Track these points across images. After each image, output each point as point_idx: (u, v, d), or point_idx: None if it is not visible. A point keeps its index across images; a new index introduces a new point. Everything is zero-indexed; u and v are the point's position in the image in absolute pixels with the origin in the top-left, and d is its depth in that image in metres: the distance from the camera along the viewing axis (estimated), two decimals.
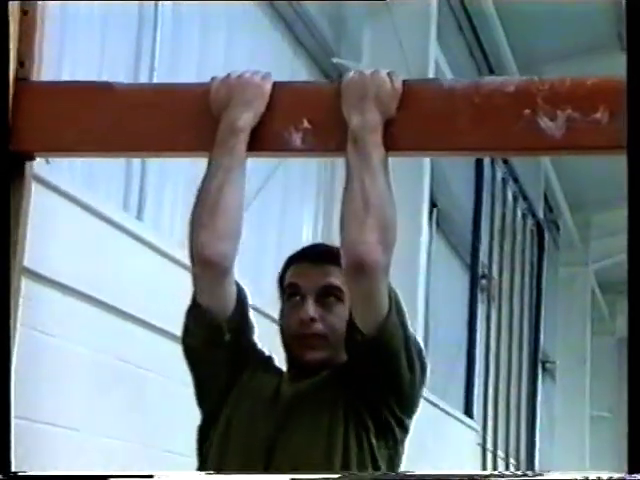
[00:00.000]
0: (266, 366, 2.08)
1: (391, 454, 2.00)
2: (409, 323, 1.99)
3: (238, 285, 2.04)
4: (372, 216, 1.86)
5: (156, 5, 4.22)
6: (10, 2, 1.84)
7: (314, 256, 2.08)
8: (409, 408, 2.01)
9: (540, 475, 1.77)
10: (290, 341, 2.04)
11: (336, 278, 2.02)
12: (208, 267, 1.95)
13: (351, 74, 1.95)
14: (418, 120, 1.91)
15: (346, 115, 1.91)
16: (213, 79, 1.99)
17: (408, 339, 1.97)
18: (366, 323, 1.92)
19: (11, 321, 1.79)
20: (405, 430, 2.01)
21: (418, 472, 1.78)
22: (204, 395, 2.06)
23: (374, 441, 1.96)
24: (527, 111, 1.85)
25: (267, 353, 2.11)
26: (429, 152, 2.07)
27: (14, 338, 1.95)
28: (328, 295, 2.02)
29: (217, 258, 1.94)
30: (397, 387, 1.96)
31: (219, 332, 2.01)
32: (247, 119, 1.93)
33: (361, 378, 1.97)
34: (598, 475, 1.65)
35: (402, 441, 2.02)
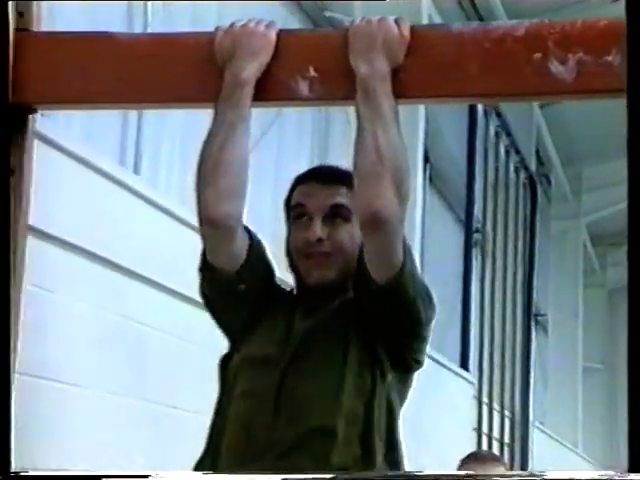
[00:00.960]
0: (282, 303, 2.06)
1: (402, 388, 2.01)
2: (423, 280, 2.00)
3: (249, 232, 2.03)
4: (386, 169, 1.84)
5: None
6: (10, 2, 1.81)
7: (321, 176, 2.07)
8: (422, 345, 2.02)
9: (543, 475, 1.75)
10: (297, 262, 2.03)
11: (344, 197, 2.01)
12: (213, 227, 1.94)
13: (358, 21, 1.92)
14: (427, 66, 1.88)
15: (353, 64, 1.88)
16: (217, 29, 1.95)
17: (421, 286, 1.98)
18: (381, 275, 1.92)
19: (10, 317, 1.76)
20: (419, 364, 2.02)
21: (414, 472, 1.77)
22: (226, 333, 2.08)
23: (389, 375, 1.96)
24: (537, 55, 1.82)
25: (286, 289, 2.10)
26: (439, 99, 2.04)
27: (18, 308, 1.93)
28: (335, 215, 2.01)
29: (222, 218, 1.92)
30: (411, 331, 1.98)
31: (232, 285, 2.00)
32: (252, 70, 1.90)
33: (375, 322, 1.97)
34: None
35: (413, 374, 2.03)
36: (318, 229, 2.00)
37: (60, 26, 3.52)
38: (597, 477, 1.65)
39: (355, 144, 1.88)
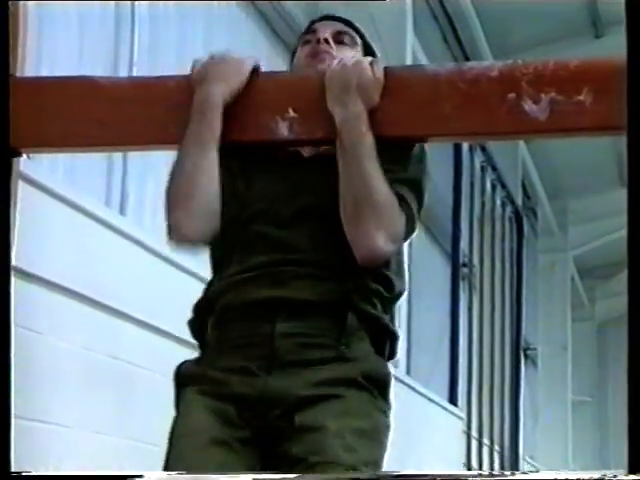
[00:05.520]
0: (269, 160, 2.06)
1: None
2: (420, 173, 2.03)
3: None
4: (365, 206, 1.87)
5: (132, 2, 4.22)
6: (10, 2, 1.84)
7: (330, 16, 2.18)
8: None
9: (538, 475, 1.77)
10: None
11: (350, 29, 2.11)
12: (187, 244, 1.98)
13: (334, 65, 1.96)
14: (403, 107, 1.92)
15: (331, 108, 1.92)
16: (195, 62, 2.01)
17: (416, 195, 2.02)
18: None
19: (11, 320, 1.79)
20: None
21: (434, 472, 1.78)
22: None
23: None
24: (511, 95, 1.86)
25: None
26: (414, 139, 2.08)
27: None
28: (341, 41, 2.09)
29: (194, 236, 1.95)
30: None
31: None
32: (220, 93, 1.94)
33: None
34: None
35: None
36: (326, 34, 2.07)
37: (45, 66, 3.57)
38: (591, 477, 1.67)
39: (339, 188, 1.92)
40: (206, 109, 1.93)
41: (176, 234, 1.95)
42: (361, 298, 1.96)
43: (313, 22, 2.17)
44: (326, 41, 2.07)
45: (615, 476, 1.61)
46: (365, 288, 1.96)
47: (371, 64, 1.93)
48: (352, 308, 1.94)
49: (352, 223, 1.88)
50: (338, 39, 2.09)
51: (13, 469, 1.68)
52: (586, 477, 1.64)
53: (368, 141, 1.90)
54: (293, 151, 2.06)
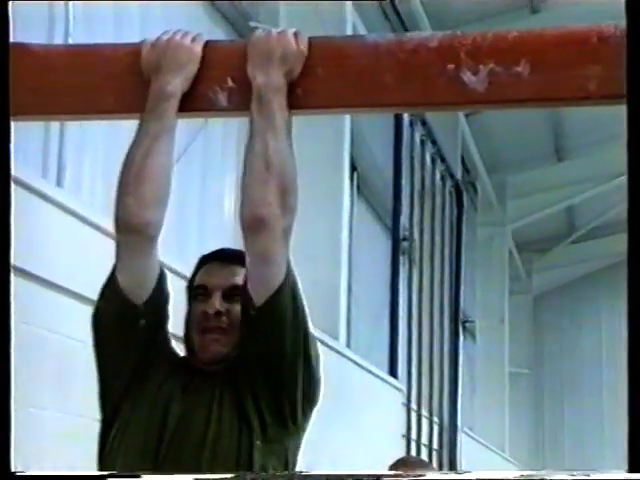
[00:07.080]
0: (168, 368, 2.05)
1: (285, 452, 1.99)
2: (305, 309, 1.97)
3: (162, 271, 2.02)
4: (273, 177, 1.87)
5: None
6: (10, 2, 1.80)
7: (223, 257, 2.08)
8: (302, 402, 1.98)
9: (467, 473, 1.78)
10: (193, 335, 2.03)
11: (243, 279, 2.01)
12: (133, 234, 1.94)
13: (257, 33, 1.95)
14: (344, 76, 1.91)
15: (251, 74, 1.91)
16: (144, 42, 1.97)
17: (302, 319, 1.95)
18: (259, 290, 1.92)
19: (10, 319, 1.76)
20: (294, 421, 1.99)
21: (311, 472, 1.77)
22: (107, 388, 2.05)
23: (259, 443, 1.95)
24: (450, 66, 1.87)
25: (174, 350, 2.09)
26: (355, 109, 2.08)
27: None
28: (234, 295, 2.02)
29: (142, 226, 1.92)
30: (287, 371, 1.95)
31: (134, 313, 1.98)
32: (177, 84, 1.93)
33: (252, 362, 1.95)
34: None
35: (295, 439, 2.01)
36: (217, 302, 2.01)
37: None
38: (519, 477, 1.69)
39: (245, 151, 1.92)
40: (163, 99, 1.92)
41: (125, 223, 1.93)
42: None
43: (203, 262, 2.08)
44: (218, 314, 2.00)
45: (614, 476, 1.63)
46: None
47: (295, 35, 1.92)
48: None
49: (256, 186, 1.87)
50: (231, 293, 2.02)
51: (13, 469, 1.67)
52: (587, 476, 1.65)
53: (286, 115, 1.89)
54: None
